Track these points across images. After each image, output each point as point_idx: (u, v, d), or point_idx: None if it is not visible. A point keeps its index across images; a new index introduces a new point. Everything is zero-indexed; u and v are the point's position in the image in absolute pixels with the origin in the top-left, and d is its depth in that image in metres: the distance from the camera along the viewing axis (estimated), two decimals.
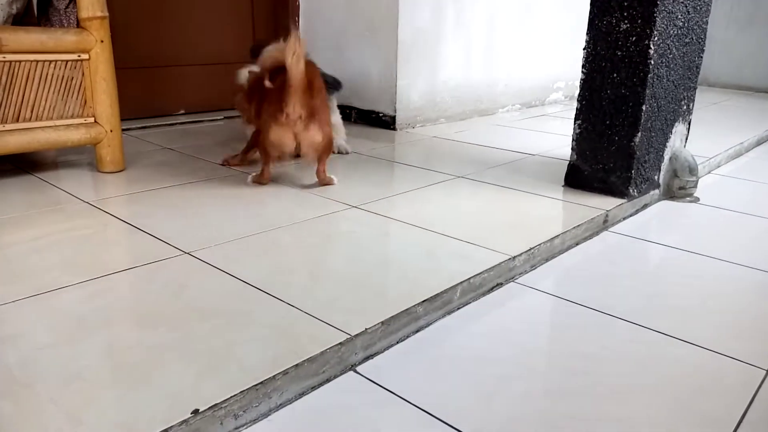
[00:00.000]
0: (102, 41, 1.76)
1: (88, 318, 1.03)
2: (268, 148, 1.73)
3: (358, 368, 0.99)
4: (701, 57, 1.96)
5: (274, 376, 0.87)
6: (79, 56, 1.74)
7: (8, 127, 1.67)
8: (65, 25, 1.84)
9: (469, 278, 1.21)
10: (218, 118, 2.78)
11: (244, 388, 0.84)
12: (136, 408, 0.80)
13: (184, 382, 0.86)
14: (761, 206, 1.89)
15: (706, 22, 1.91)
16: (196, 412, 0.79)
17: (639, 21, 1.65)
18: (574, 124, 1.82)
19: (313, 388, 0.93)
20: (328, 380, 0.95)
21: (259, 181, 1.81)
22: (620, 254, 1.51)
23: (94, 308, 1.06)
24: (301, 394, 0.92)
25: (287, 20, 2.96)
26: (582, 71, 1.78)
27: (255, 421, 0.85)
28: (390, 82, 2.69)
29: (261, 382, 0.85)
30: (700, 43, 1.91)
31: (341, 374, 0.97)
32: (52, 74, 1.71)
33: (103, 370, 0.89)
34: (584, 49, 1.77)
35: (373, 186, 1.84)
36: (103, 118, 1.83)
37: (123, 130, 1.97)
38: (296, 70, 1.54)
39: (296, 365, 0.90)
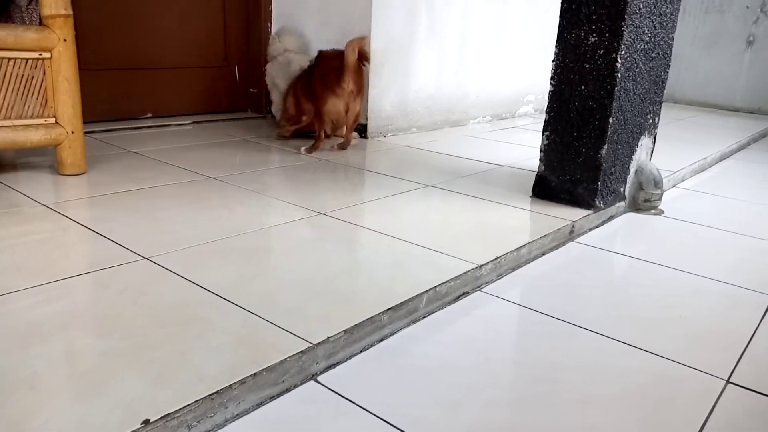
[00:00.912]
0: (65, 40, 1.71)
1: (39, 323, 0.99)
2: (324, 117, 2.29)
3: (320, 378, 0.97)
4: (667, 72, 2.00)
5: (230, 386, 0.84)
6: (40, 55, 1.70)
7: None
8: (27, 22, 1.79)
9: (435, 286, 1.20)
10: (186, 122, 2.74)
11: (199, 398, 0.81)
12: (84, 417, 0.77)
13: (136, 391, 0.82)
14: (723, 220, 1.92)
15: (672, 38, 1.95)
16: (146, 422, 0.76)
17: (607, 34, 1.67)
18: (543, 135, 1.84)
19: (272, 398, 0.91)
20: (287, 390, 0.93)
21: (312, 149, 2.30)
22: (585, 265, 1.52)
23: (47, 313, 1.02)
24: (260, 404, 0.89)
25: (259, 26, 2.94)
26: (551, 83, 1.80)
27: None
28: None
29: (217, 392, 0.83)
30: (666, 58, 1.95)
31: (302, 384, 0.95)
32: (12, 72, 1.66)
33: (51, 378, 0.85)
34: (553, 61, 1.78)
35: (342, 193, 1.82)
36: (65, 119, 1.77)
37: (86, 132, 1.92)
38: (352, 57, 2.18)
39: (254, 374, 0.88)
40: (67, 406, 0.79)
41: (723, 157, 2.92)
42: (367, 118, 2.69)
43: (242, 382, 0.86)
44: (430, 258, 1.36)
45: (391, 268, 1.30)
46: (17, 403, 0.79)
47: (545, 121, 1.83)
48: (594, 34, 1.69)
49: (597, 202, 1.77)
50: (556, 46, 1.77)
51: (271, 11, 2.93)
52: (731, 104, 4.51)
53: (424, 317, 1.18)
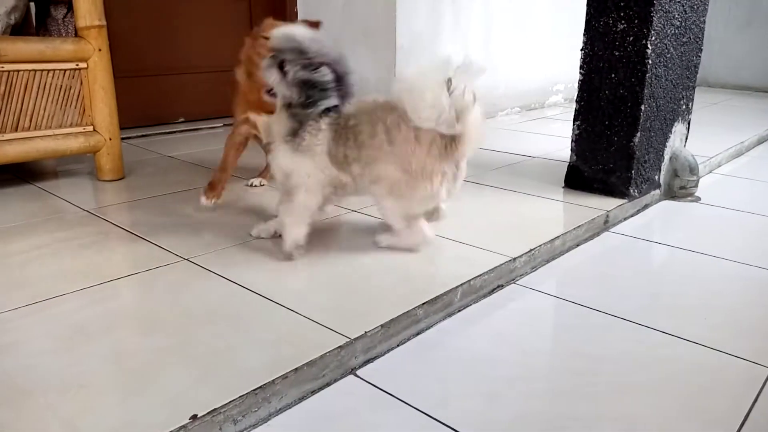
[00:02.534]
0: (100, 50, 1.76)
1: (87, 325, 1.02)
2: None
3: (359, 372, 0.99)
4: (699, 56, 1.96)
5: (273, 381, 0.87)
6: (77, 65, 1.75)
7: (7, 136, 1.68)
8: (63, 34, 1.85)
9: (470, 280, 1.21)
10: (217, 125, 2.79)
11: (243, 393, 0.83)
12: (134, 414, 0.80)
13: (182, 388, 0.85)
14: (762, 205, 1.88)
15: (704, 22, 1.91)
16: (194, 417, 0.78)
17: (636, 21, 1.64)
18: (573, 125, 1.82)
19: (313, 392, 0.93)
20: (328, 384, 0.95)
21: None
22: (621, 254, 1.51)
23: (93, 315, 1.06)
24: (301, 399, 0.91)
25: None
26: (580, 72, 1.78)
27: (254, 426, 0.85)
28: (388, 88, 2.68)
29: (260, 387, 0.85)
30: (697, 42, 1.91)
31: (341, 378, 0.97)
32: (51, 83, 1.72)
33: (101, 377, 0.88)
34: (581, 49, 1.76)
35: None
36: (102, 127, 1.83)
37: (122, 138, 1.97)
38: None
39: (296, 369, 0.90)
40: (118, 403, 0.82)
41: (761, 141, 2.84)
42: None
43: (284, 377, 0.88)
44: (463, 252, 1.36)
45: (424, 263, 1.31)
46: (70, 401, 0.82)
47: (575, 110, 1.81)
48: (623, 21, 1.66)
49: (631, 191, 1.74)
50: (584, 35, 1.75)
51: (296, 13, 2.96)
52: (766, 86, 4.38)
53: (459, 311, 1.19)
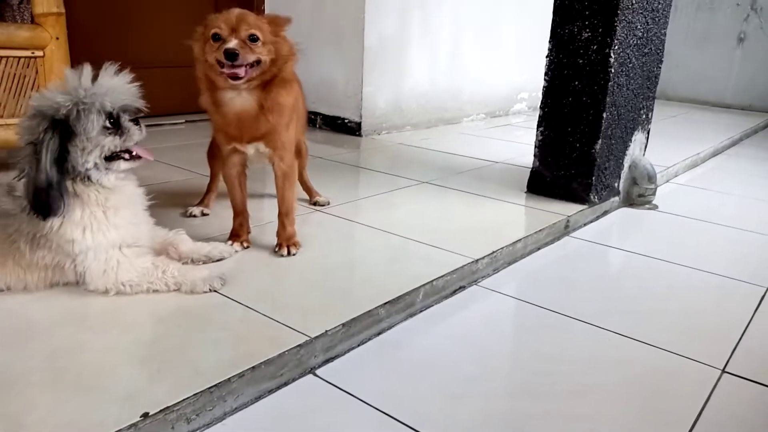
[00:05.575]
0: (57, 38, 1.70)
1: (34, 321, 0.98)
2: None
3: (318, 371, 0.97)
4: (660, 67, 2.01)
5: (229, 379, 0.84)
6: (32, 53, 1.68)
7: None
8: (18, 21, 1.78)
9: (432, 281, 1.21)
10: (179, 121, 2.73)
11: (198, 391, 0.81)
12: (83, 411, 0.76)
13: (135, 385, 0.82)
14: (717, 214, 1.93)
15: (665, 34, 1.96)
16: (146, 415, 0.75)
17: (600, 30, 1.67)
18: (537, 130, 1.84)
19: (271, 391, 0.91)
20: (286, 383, 0.93)
21: None
22: (581, 259, 1.53)
23: (41, 310, 1.02)
24: (258, 398, 0.89)
25: None
26: (545, 78, 1.80)
27: (209, 425, 0.82)
28: (356, 89, 2.68)
29: (215, 385, 0.83)
30: (658, 53, 1.96)
31: (300, 377, 0.95)
32: (4, 71, 1.65)
33: (49, 373, 0.85)
34: (547, 56, 1.79)
35: (338, 190, 1.82)
36: None
37: None
38: None
39: (253, 368, 0.87)
40: (66, 399, 0.79)
41: (716, 153, 2.93)
42: (361, 116, 2.68)
43: (240, 375, 0.86)
44: (426, 253, 1.36)
45: (388, 263, 1.30)
46: (15, 398, 0.79)
47: (539, 116, 1.83)
48: (587, 30, 1.69)
49: (591, 197, 1.77)
50: (549, 42, 1.77)
51: (264, 10, 2.93)
52: (722, 101, 4.53)
53: (421, 311, 1.18)
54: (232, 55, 1.12)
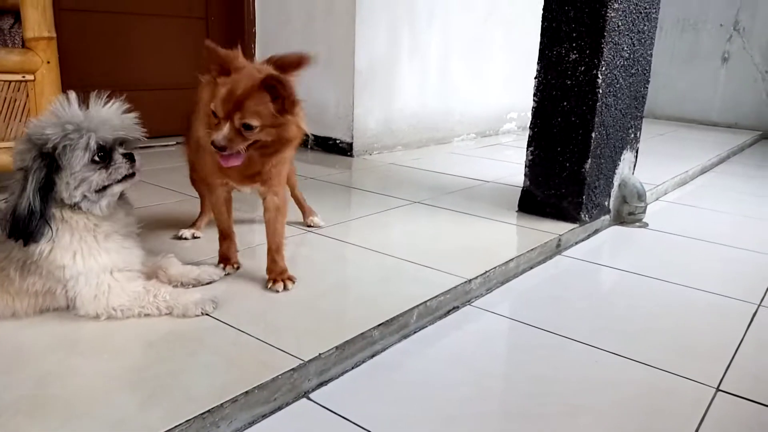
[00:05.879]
0: (48, 62, 1.71)
1: (26, 347, 0.97)
2: None
3: (312, 395, 0.96)
4: (647, 87, 2.03)
5: (221, 404, 0.83)
6: (23, 77, 1.68)
7: None
8: (9, 45, 1.78)
9: (426, 301, 1.20)
10: (170, 143, 2.73)
11: (190, 417, 0.80)
12: None
13: (126, 412, 0.81)
14: (707, 231, 1.95)
15: (651, 55, 1.99)
16: None
17: (587, 51, 1.70)
18: (527, 150, 1.86)
19: (264, 416, 0.90)
20: (279, 408, 0.92)
21: None
22: (573, 277, 1.53)
23: (33, 336, 1.00)
24: (252, 423, 0.88)
25: (243, 47, 2.95)
26: (534, 99, 1.82)
27: None
28: (347, 110, 2.70)
29: (208, 411, 0.82)
30: (645, 74, 1.99)
31: (294, 401, 0.94)
32: None
33: (39, 400, 0.83)
34: (535, 78, 1.81)
35: (330, 210, 1.82)
36: None
37: None
38: None
39: (246, 392, 0.87)
40: (56, 428, 0.77)
41: (704, 171, 2.97)
42: (352, 137, 2.70)
43: (234, 400, 0.85)
44: (419, 273, 1.36)
45: (380, 284, 1.30)
46: (2, 427, 0.77)
47: (529, 136, 1.85)
48: (575, 51, 1.72)
49: (582, 216, 1.78)
50: (537, 63, 1.80)
51: (255, 32, 2.95)
52: (708, 119, 4.59)
53: (415, 332, 1.18)
54: (220, 147, 1.07)
